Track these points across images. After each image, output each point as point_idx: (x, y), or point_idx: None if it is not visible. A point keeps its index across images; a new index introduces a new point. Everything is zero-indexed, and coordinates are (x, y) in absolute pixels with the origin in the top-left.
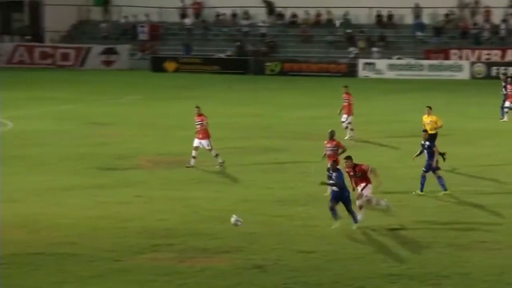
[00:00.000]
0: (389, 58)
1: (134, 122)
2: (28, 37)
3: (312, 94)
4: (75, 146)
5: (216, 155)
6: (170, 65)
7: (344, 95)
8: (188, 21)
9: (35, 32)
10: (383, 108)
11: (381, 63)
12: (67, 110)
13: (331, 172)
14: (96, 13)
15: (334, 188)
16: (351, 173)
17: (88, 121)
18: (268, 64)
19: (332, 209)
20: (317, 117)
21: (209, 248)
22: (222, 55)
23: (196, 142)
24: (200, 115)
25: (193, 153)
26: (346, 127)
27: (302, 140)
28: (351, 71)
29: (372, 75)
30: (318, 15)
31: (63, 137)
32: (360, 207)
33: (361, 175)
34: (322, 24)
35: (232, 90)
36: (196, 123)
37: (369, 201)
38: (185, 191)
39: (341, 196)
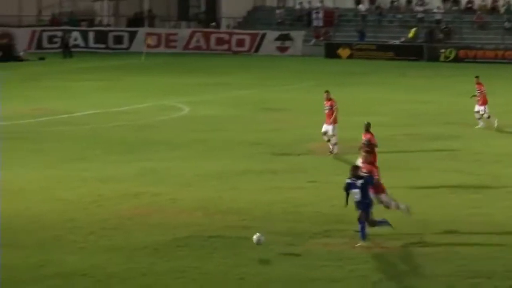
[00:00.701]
0: None
1: (307, 108)
2: (213, 24)
3: (487, 81)
4: (249, 132)
5: (335, 144)
6: (344, 52)
7: (476, 86)
8: (362, 7)
9: (211, 18)
10: None
11: None
12: (242, 96)
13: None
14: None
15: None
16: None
17: (263, 107)
18: (442, 50)
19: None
20: (492, 105)
21: (381, 234)
22: (396, 42)
23: (324, 128)
24: (329, 99)
25: (324, 138)
26: (480, 118)
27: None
28: None
29: None
30: (495, 1)
31: (238, 122)
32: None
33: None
34: (499, 10)
35: (406, 77)
36: (325, 108)
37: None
38: None
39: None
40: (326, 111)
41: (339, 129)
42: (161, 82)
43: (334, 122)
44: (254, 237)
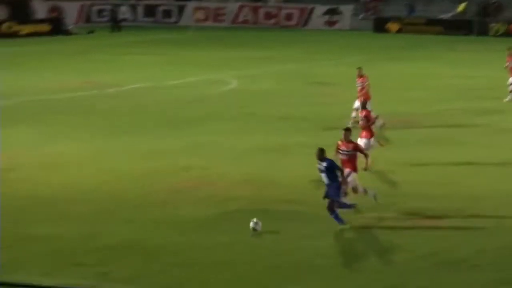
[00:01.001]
0: None
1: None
2: None
3: None
4: (297, 106)
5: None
6: (393, 26)
7: (507, 57)
8: None
9: None
10: None
11: None
12: (290, 70)
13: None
14: None
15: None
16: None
17: (311, 81)
18: (492, 25)
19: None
20: None
21: (432, 209)
22: (446, 16)
23: (356, 104)
24: (361, 76)
25: (354, 114)
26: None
27: None
28: None
29: None
30: None
31: (286, 96)
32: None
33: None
34: None
35: (455, 51)
36: (357, 84)
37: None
38: (410, 152)
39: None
40: (358, 88)
41: (374, 104)
42: (210, 56)
43: (367, 97)
44: (251, 223)
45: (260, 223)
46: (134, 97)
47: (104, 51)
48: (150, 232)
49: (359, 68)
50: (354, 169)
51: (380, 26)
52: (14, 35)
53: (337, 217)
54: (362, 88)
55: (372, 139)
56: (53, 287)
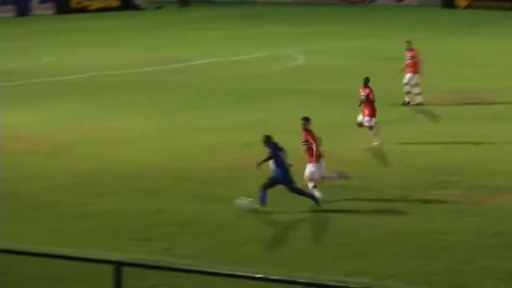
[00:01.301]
0: None
1: (423, 59)
2: None
3: None
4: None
5: (417, 94)
6: (461, 1)
7: (407, 52)
8: None
9: None
10: None
11: None
12: (358, 46)
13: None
14: None
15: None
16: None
17: (378, 57)
18: None
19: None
20: None
21: (499, 186)
22: None
23: (407, 78)
24: (411, 50)
25: (405, 88)
26: None
27: None
28: None
29: None
30: None
31: (353, 72)
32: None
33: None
34: None
35: None
36: (407, 58)
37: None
38: (475, 129)
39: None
40: (408, 62)
41: (422, 78)
42: (277, 32)
43: (416, 71)
44: (240, 202)
45: (246, 201)
46: (200, 72)
47: (172, 26)
48: (212, 208)
49: (409, 42)
50: (311, 161)
51: (448, 1)
52: (83, 10)
53: (263, 197)
54: (413, 62)
55: (375, 117)
56: (119, 262)
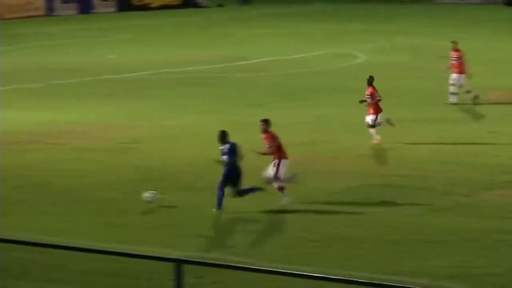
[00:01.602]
0: None
1: (484, 57)
2: None
3: None
4: (425, 79)
5: (467, 92)
6: None
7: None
8: None
9: None
10: None
11: None
12: (419, 43)
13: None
14: None
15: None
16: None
17: (439, 55)
18: None
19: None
20: None
21: None
22: None
23: (453, 79)
24: (456, 50)
25: (450, 89)
26: None
27: None
28: None
29: None
30: None
31: (414, 70)
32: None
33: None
34: None
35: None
36: (453, 58)
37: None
38: None
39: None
40: (454, 62)
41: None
42: (337, 29)
43: (461, 72)
44: (146, 195)
45: (154, 195)
46: (261, 70)
47: (232, 24)
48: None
49: (454, 42)
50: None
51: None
52: (145, 7)
53: (219, 200)
54: (458, 63)
55: (379, 116)
56: (174, 259)
